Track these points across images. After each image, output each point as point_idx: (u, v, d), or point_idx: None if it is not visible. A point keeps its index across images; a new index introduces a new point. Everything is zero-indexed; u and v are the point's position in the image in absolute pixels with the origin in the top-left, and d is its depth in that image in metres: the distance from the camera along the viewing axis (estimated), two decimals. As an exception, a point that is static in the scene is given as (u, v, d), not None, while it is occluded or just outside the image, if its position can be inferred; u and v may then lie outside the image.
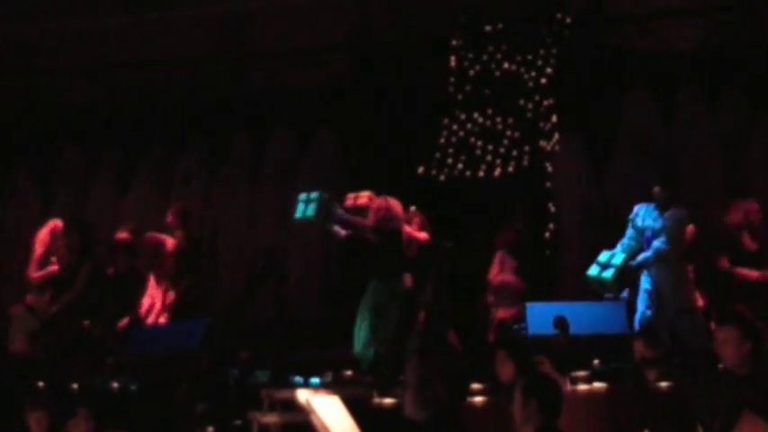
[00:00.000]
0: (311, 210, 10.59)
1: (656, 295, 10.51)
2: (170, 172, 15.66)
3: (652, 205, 10.71)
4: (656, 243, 10.50)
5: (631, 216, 10.81)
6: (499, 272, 12.14)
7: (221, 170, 15.47)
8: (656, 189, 10.62)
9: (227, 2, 16.44)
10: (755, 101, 13.45)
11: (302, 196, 10.84)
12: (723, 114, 13.60)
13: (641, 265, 10.55)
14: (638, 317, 10.52)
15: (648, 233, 10.63)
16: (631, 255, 10.59)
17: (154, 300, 11.78)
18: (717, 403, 6.46)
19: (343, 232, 10.79)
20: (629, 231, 10.79)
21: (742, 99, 13.57)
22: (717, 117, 13.62)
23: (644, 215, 10.71)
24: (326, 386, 9.38)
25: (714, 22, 14.06)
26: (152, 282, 11.89)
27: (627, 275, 10.55)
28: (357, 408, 6.81)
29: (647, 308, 10.49)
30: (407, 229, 10.77)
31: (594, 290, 10.64)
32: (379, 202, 10.58)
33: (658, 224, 10.57)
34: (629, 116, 13.82)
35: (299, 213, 10.77)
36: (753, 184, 12.96)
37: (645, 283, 10.60)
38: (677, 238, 10.54)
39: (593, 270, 10.53)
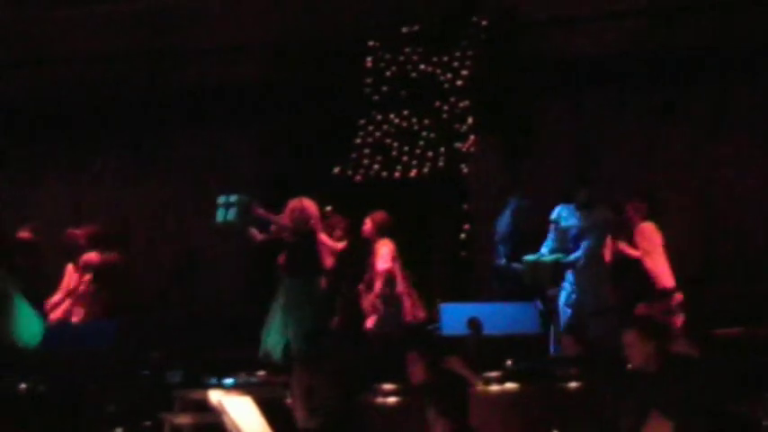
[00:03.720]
0: (232, 214, 10.39)
1: (577, 294, 10.67)
2: (81, 169, 15.45)
3: (571, 206, 10.88)
4: (587, 242, 10.67)
5: (554, 218, 10.95)
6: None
7: (132, 169, 15.29)
8: (582, 191, 10.78)
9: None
10: (665, 102, 13.75)
11: (221, 199, 10.57)
12: (630, 116, 13.88)
13: (572, 264, 10.72)
14: (562, 316, 10.66)
15: (573, 232, 10.80)
16: (558, 254, 10.79)
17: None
18: (625, 403, 6.54)
19: (259, 236, 10.68)
20: (552, 234, 10.93)
21: (650, 101, 13.85)
22: (625, 118, 13.88)
23: (567, 216, 10.86)
24: (239, 387, 9.31)
25: (625, 28, 14.24)
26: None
27: (559, 273, 10.74)
28: (269, 408, 6.77)
29: (568, 306, 10.64)
30: (324, 239, 10.70)
31: (528, 283, 10.82)
32: (294, 203, 10.54)
33: (585, 223, 10.73)
34: (543, 118, 13.97)
35: (219, 217, 10.50)
36: (663, 182, 13.25)
37: (567, 282, 10.76)
38: (603, 238, 10.74)
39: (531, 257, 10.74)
